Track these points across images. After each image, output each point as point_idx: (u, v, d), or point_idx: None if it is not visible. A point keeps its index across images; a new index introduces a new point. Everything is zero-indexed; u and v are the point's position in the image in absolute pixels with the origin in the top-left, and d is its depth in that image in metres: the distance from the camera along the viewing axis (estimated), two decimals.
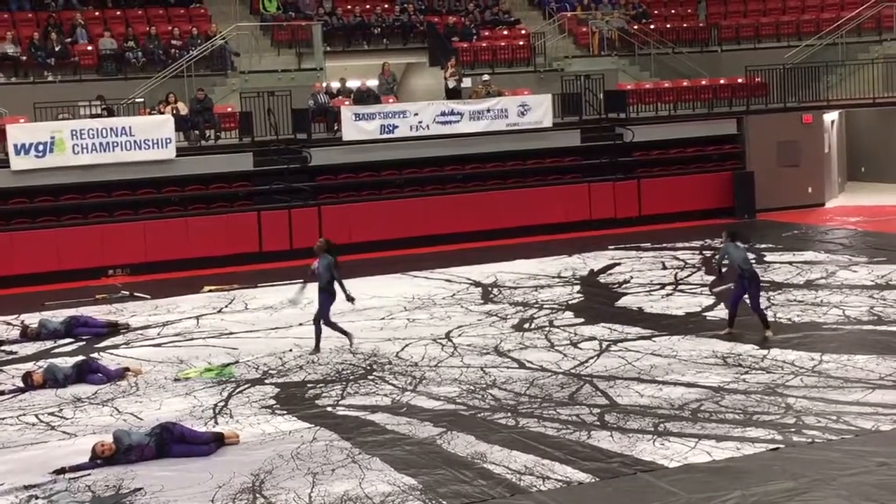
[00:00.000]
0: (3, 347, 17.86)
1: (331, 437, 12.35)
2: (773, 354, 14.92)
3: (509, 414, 12.90)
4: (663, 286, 20.24)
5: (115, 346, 17.61)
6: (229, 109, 26.83)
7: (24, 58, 27.40)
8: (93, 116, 25.19)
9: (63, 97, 25.71)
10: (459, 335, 17.11)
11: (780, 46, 32.22)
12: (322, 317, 16.49)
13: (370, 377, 14.93)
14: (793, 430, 11.79)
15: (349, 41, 31.07)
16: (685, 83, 30.74)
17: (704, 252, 23.45)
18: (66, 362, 15.98)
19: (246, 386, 14.82)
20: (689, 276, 21.05)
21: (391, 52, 31.13)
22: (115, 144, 24.51)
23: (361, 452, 11.77)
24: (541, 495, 10.37)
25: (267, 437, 12.52)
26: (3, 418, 13.83)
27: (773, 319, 16.82)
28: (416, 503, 10.32)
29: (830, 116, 31.03)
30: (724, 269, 16.62)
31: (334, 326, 16.57)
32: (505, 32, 32.55)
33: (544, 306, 19.00)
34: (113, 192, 24.99)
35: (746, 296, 15.94)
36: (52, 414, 13.92)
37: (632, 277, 21.26)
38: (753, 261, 18.83)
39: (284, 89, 26.83)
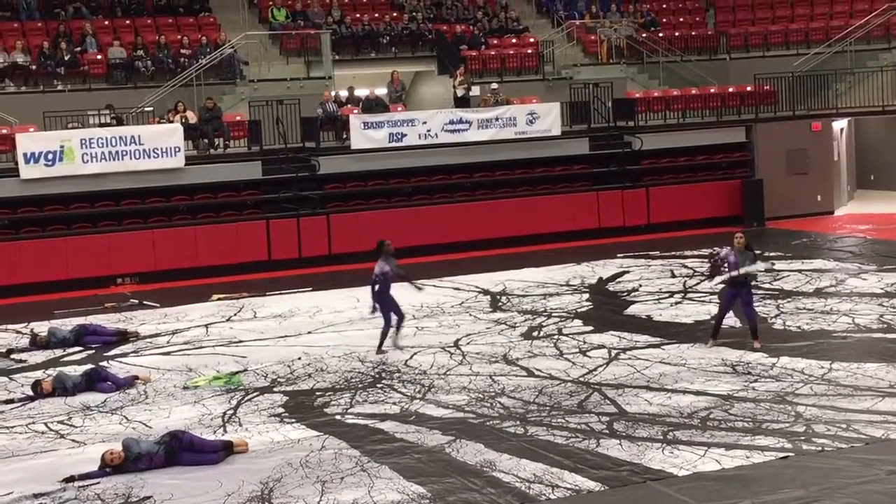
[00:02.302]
0: (12, 356, 17.89)
1: (340, 446, 12.34)
2: (783, 363, 14.88)
3: (518, 422, 12.88)
4: (672, 294, 20.21)
5: (125, 355, 17.64)
6: (238, 118, 26.87)
7: (34, 67, 27.46)
8: (102, 125, 25.24)
9: (72, 106, 25.77)
10: (468, 343, 17.10)
11: (789, 54, 32.23)
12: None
13: (379, 385, 14.92)
14: (802, 438, 11.76)
15: (358, 50, 31.11)
16: (694, 91, 30.73)
17: (714, 260, 23.36)
18: (76, 371, 15.99)
19: (255, 394, 14.82)
20: (698, 284, 21.02)
21: (400, 61, 31.16)
22: (125, 153, 24.57)
23: (370, 461, 11.76)
24: None
25: (276, 445, 12.51)
26: (13, 427, 13.85)
27: (782, 328, 16.83)
28: None
29: (839, 124, 31.00)
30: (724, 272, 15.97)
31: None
32: (513, 41, 32.57)
33: (553, 314, 18.98)
34: (122, 200, 25.04)
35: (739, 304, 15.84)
36: (61, 422, 13.93)
37: (640, 285, 21.23)
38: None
39: (293, 98, 26.89)
